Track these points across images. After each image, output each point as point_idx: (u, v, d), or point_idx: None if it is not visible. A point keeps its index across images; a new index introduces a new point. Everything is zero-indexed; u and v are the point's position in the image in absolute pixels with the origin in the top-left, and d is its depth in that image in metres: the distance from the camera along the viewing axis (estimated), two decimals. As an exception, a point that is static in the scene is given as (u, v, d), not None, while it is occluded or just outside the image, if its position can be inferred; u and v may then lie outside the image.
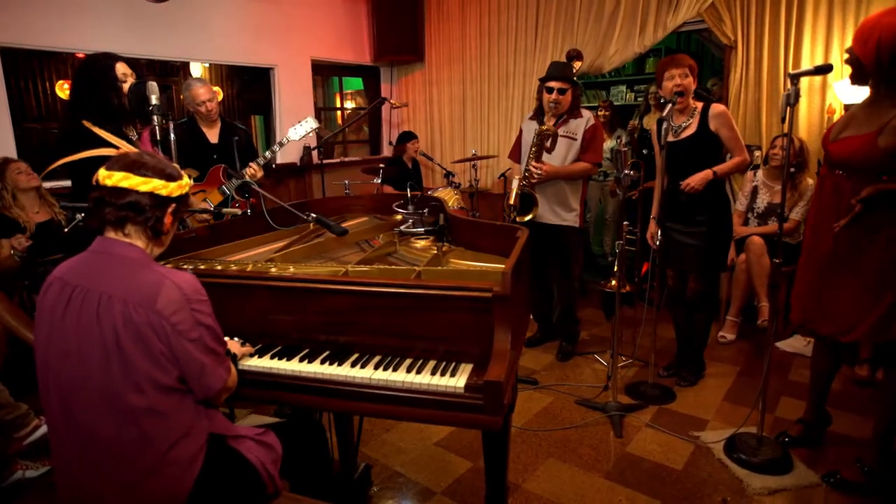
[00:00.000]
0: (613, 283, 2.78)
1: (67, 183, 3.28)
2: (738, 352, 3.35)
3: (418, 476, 2.22)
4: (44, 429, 2.30)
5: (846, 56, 1.92)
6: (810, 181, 3.38)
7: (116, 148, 2.11)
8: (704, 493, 2.07)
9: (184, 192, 1.25)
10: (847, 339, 2.01)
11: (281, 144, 2.92)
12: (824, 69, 1.91)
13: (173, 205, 1.24)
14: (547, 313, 3.46)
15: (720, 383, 2.94)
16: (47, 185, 3.30)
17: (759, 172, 3.53)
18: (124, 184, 1.16)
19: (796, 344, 3.32)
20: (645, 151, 4.17)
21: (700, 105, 2.63)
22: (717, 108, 2.60)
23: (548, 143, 2.98)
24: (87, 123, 1.89)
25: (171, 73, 6.00)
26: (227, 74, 6.48)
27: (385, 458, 2.35)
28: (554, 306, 3.38)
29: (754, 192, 3.54)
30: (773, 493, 2.05)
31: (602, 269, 5.05)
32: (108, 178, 1.16)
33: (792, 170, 3.25)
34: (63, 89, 5.41)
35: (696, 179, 2.55)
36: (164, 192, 1.20)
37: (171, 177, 1.22)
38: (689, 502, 2.03)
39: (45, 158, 3.40)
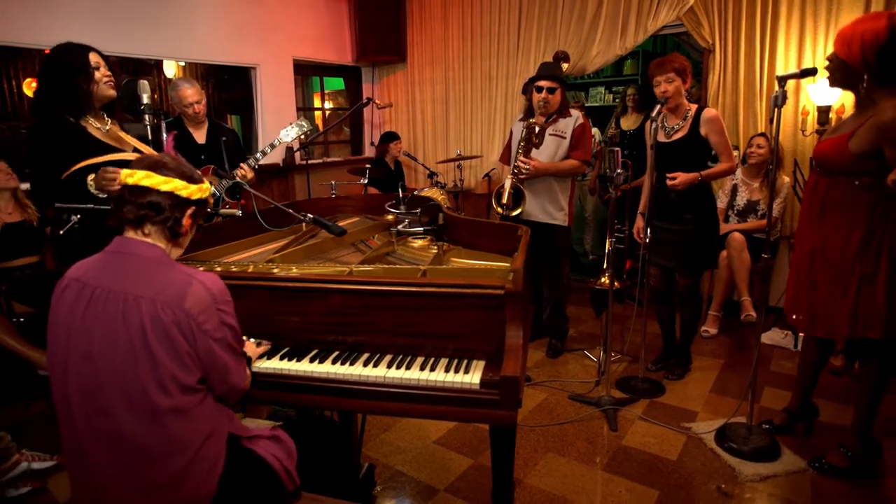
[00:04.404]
0: (604, 280, 2.84)
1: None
2: (721, 345, 3.46)
3: (420, 474, 2.23)
4: (24, 466, 2.18)
5: (827, 63, 2.00)
6: (786, 178, 3.52)
7: (139, 153, 2.06)
8: (699, 482, 2.14)
9: (203, 195, 1.25)
10: (819, 333, 2.13)
11: (272, 146, 2.88)
12: (809, 72, 1.99)
13: (192, 207, 1.23)
14: (536, 310, 3.51)
15: (706, 376, 3.03)
16: (25, 186, 3.19)
17: (738, 171, 3.65)
18: (145, 182, 1.15)
19: (775, 336, 3.45)
20: (627, 152, 4.27)
21: (694, 108, 2.69)
22: (709, 112, 2.65)
23: (536, 138, 3.02)
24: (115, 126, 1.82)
25: (145, 71, 5.85)
26: (203, 73, 6.35)
27: (385, 457, 2.35)
28: (543, 304, 3.42)
29: (734, 189, 3.66)
30: (764, 479, 2.13)
31: (584, 267, 5.13)
32: (130, 176, 1.16)
33: (770, 167, 3.37)
34: (31, 87, 5.23)
35: (682, 179, 2.62)
36: (184, 194, 1.20)
37: (192, 179, 1.22)
38: (686, 491, 2.09)
39: (12, 158, 3.29)
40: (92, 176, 1.86)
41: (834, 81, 2.01)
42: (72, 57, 2.04)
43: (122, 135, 2.14)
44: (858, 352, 2.22)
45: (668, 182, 2.66)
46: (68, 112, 1.99)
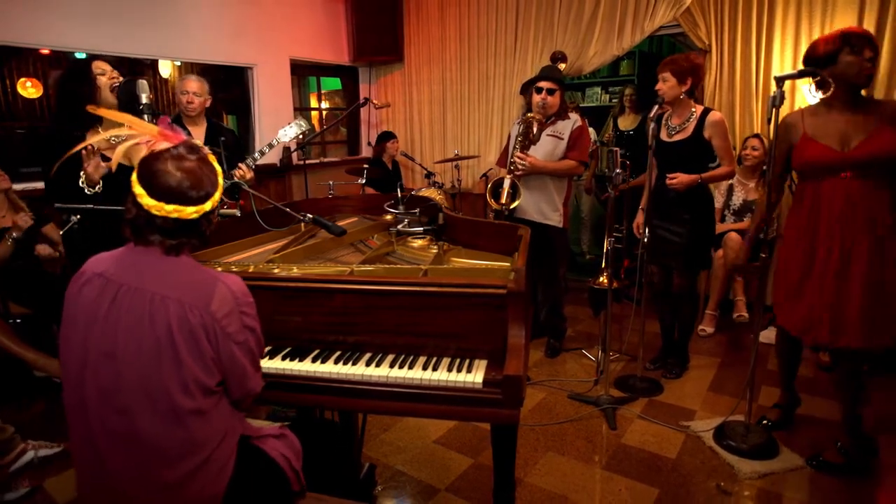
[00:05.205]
0: (603, 279, 2.85)
1: (40, 184, 3.16)
2: (718, 344, 3.48)
3: (420, 474, 2.23)
4: (30, 454, 2.18)
5: (872, 62, 1.95)
6: (781, 179, 3.54)
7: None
8: (699, 480, 2.15)
9: (221, 190, 1.21)
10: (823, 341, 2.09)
11: (271, 145, 2.88)
12: (807, 73, 2.01)
13: (217, 209, 1.22)
14: (534, 311, 3.51)
15: (704, 374, 3.05)
16: (18, 187, 3.17)
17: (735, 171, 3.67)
18: (175, 215, 1.11)
19: (772, 335, 3.46)
20: (624, 151, 4.28)
21: (699, 109, 2.69)
22: (714, 116, 2.64)
23: (532, 134, 3.03)
24: (91, 108, 1.83)
25: (140, 71, 5.82)
26: (199, 73, 6.32)
27: (385, 457, 2.35)
28: (540, 304, 3.43)
29: (730, 189, 3.69)
30: (763, 476, 2.15)
31: (580, 267, 5.15)
32: (158, 209, 1.10)
33: (764, 168, 3.40)
34: (25, 87, 5.19)
35: (683, 179, 2.63)
36: (211, 208, 1.17)
37: (214, 185, 1.17)
38: (686, 489, 2.10)
39: (8, 159, 3.27)
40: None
41: (870, 81, 2.00)
42: (75, 71, 2.14)
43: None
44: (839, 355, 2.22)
45: (668, 182, 2.67)
46: (77, 127, 2.05)
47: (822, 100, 2.09)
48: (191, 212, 1.12)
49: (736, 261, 2.54)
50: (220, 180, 1.20)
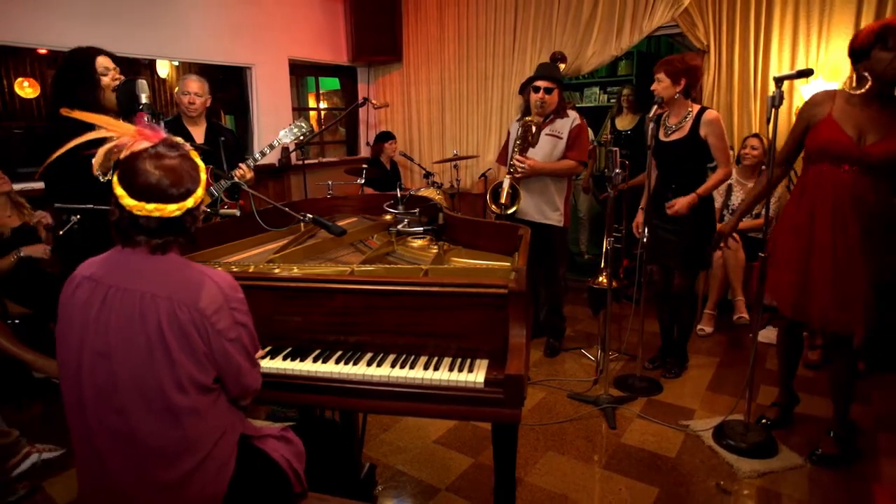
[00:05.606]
0: (602, 279, 2.85)
1: (38, 185, 3.16)
2: (717, 344, 3.49)
3: (420, 474, 2.23)
4: (34, 457, 2.18)
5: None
6: (780, 179, 3.55)
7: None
8: (699, 479, 2.16)
9: (205, 186, 1.20)
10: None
11: (271, 146, 2.88)
12: (806, 73, 2.02)
13: (201, 205, 1.21)
14: (534, 310, 3.52)
15: (703, 374, 3.06)
16: (17, 187, 3.16)
17: (733, 171, 3.68)
18: (157, 214, 1.11)
19: (770, 335, 3.48)
20: (623, 151, 4.29)
21: (696, 108, 2.69)
22: (709, 115, 2.64)
23: (531, 137, 3.03)
24: (65, 111, 1.83)
25: (137, 70, 5.81)
26: (197, 73, 6.31)
27: (385, 457, 2.35)
28: (540, 304, 3.44)
29: (729, 189, 3.70)
30: (762, 475, 2.15)
31: (579, 266, 5.15)
32: (139, 209, 1.09)
33: (763, 167, 3.41)
34: (23, 87, 5.18)
35: (682, 203, 2.65)
36: (194, 205, 1.16)
37: (196, 181, 1.17)
38: (686, 488, 2.11)
39: (9, 159, 3.26)
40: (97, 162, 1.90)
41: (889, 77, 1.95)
42: (78, 65, 2.05)
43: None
44: (834, 348, 2.24)
45: (669, 212, 2.68)
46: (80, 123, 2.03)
47: (854, 89, 2.05)
48: (172, 209, 1.12)
49: (724, 228, 2.55)
50: (203, 176, 1.19)
